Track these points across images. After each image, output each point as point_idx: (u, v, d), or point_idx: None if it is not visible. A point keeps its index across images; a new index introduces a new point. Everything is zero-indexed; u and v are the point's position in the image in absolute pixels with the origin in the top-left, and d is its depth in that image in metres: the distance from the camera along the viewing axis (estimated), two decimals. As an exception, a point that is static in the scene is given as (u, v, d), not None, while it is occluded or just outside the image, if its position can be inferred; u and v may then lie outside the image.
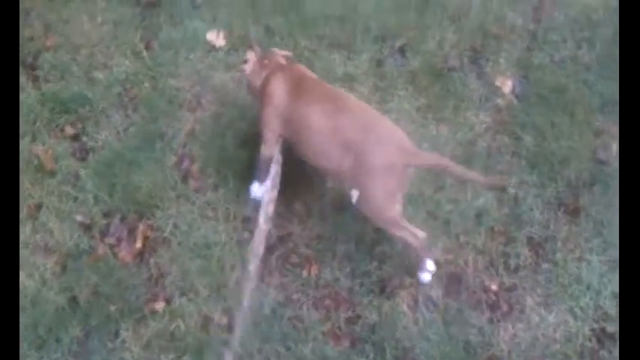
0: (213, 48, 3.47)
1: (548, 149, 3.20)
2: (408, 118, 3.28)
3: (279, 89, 2.68)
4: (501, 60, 3.57)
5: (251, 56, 2.90)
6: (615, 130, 3.28)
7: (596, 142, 3.26)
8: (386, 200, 2.55)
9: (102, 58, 3.39)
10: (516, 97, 3.43)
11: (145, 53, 3.42)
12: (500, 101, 3.40)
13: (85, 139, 3.12)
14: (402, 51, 3.56)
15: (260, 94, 2.77)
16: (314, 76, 2.86)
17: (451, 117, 3.30)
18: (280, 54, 2.88)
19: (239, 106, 3.26)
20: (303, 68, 2.88)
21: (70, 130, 3.14)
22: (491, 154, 3.19)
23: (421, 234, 2.64)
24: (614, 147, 3.24)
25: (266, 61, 2.82)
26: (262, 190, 2.77)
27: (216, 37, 3.49)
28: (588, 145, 3.24)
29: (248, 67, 2.88)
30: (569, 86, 3.46)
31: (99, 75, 3.32)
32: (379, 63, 3.50)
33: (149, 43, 3.47)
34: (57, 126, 3.14)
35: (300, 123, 2.61)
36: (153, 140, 3.11)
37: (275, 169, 2.74)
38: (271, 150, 2.73)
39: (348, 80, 3.36)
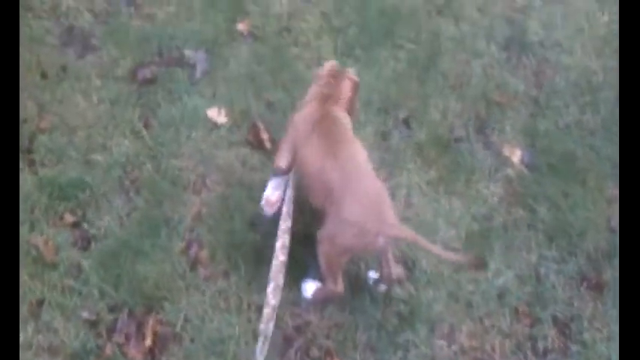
0: (214, 125, 3.37)
1: (565, 221, 3.14)
2: (418, 192, 3.20)
3: (304, 121, 2.73)
4: (507, 128, 3.54)
5: (328, 66, 2.86)
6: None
7: (610, 211, 3.21)
8: (342, 253, 2.56)
9: (100, 139, 3.26)
10: (526, 166, 3.38)
11: (144, 132, 3.30)
12: (510, 171, 3.34)
13: (86, 226, 2.97)
14: (406, 122, 3.50)
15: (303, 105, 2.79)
16: (344, 120, 2.76)
17: (463, 190, 3.24)
18: (346, 86, 2.83)
19: (246, 185, 3.15)
20: (338, 112, 2.77)
21: (69, 218, 2.98)
22: (507, 228, 3.12)
23: (340, 289, 2.64)
24: (628, 215, 3.19)
25: (331, 81, 2.79)
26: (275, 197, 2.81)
27: (217, 114, 3.40)
28: (603, 214, 3.20)
29: (320, 74, 2.85)
30: (577, 153, 3.43)
31: (97, 157, 3.18)
32: (384, 136, 3.43)
33: (148, 122, 3.35)
34: (56, 213, 2.98)
35: (302, 153, 2.66)
36: (158, 226, 2.96)
37: (289, 195, 2.75)
38: (282, 162, 2.77)
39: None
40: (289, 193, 2.77)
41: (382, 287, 2.80)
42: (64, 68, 3.55)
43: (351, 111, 2.84)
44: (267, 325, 2.46)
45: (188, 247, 2.93)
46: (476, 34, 3.93)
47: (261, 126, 3.34)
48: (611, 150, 3.44)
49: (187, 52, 3.65)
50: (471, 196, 3.22)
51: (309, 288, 2.75)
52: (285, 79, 3.59)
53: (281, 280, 2.55)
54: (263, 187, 2.93)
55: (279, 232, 2.65)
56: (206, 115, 3.40)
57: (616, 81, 3.73)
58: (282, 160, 2.76)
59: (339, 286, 2.62)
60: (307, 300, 2.76)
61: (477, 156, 3.37)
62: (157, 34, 3.73)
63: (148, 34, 3.74)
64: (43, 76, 3.48)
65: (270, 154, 3.25)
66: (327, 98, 2.75)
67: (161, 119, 3.37)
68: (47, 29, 3.72)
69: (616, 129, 3.51)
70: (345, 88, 2.81)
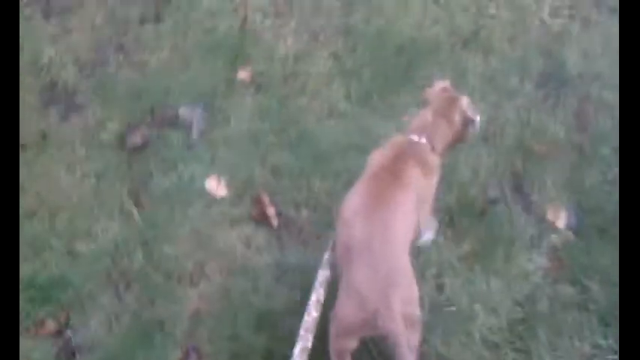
0: (213, 199, 2.96)
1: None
2: (450, 271, 2.77)
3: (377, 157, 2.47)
4: (548, 183, 3.07)
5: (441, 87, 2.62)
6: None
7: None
8: (344, 332, 2.18)
9: (84, 223, 2.88)
10: (573, 232, 2.92)
11: (134, 212, 2.92)
12: (555, 239, 2.89)
13: (69, 333, 2.60)
14: (432, 183, 3.04)
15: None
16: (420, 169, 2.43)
17: (502, 266, 2.80)
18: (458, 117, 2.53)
19: (250, 273, 2.76)
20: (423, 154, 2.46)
21: (51, 325, 2.62)
22: (555, 311, 2.67)
23: None
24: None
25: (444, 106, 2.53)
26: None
27: (216, 185, 3.00)
28: (667, 291, 2.72)
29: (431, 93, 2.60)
30: (631, 212, 2.95)
31: (82, 247, 2.81)
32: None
33: (139, 199, 2.97)
34: (34, 323, 2.60)
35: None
36: (151, 331, 2.59)
37: (324, 273, 2.37)
38: None
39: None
40: (323, 271, 2.38)
41: None
42: (44, 135, 3.18)
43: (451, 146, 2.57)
44: None
45: (186, 356, 2.54)
46: (507, 69, 3.45)
47: (266, 199, 2.93)
48: (671, 205, 2.96)
49: (182, 111, 3.26)
50: (512, 273, 2.78)
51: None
52: (292, 138, 3.17)
53: (309, 342, 2.18)
54: (269, 275, 2.52)
55: (316, 284, 2.30)
56: (204, 186, 3.00)
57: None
58: None
59: None
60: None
61: (515, 222, 2.92)
62: (148, 88, 3.36)
63: (138, 89, 3.36)
64: (21, 146, 3.09)
65: (277, 233, 2.85)
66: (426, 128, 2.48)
67: (153, 194, 2.98)
68: (26, 87, 3.33)
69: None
70: (457, 120, 2.50)
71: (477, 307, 2.67)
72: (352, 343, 2.20)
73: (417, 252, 2.80)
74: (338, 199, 2.87)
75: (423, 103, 2.64)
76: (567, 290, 2.75)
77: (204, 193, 2.99)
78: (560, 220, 2.96)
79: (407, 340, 2.07)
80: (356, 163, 3.00)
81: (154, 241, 2.83)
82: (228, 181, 3.02)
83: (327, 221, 2.88)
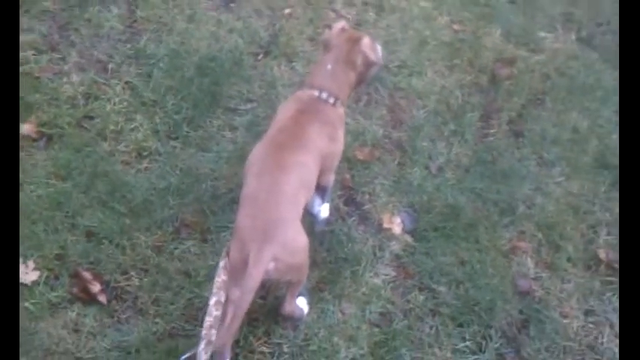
0: (25, 287, 2.56)
1: (468, 298, 2.76)
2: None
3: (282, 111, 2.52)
4: (378, 189, 3.06)
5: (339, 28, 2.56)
6: (524, 243, 2.92)
7: (512, 268, 2.87)
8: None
9: None
10: (410, 235, 2.92)
11: None
12: (395, 246, 2.88)
13: None
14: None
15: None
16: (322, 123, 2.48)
17: (351, 289, 2.73)
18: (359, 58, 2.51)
19: (87, 365, 2.42)
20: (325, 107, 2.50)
21: None
22: (411, 325, 2.67)
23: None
24: (530, 265, 2.88)
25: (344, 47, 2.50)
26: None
27: (24, 271, 2.58)
28: (506, 276, 2.85)
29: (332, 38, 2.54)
30: (459, 203, 3.03)
31: None
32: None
33: None
34: None
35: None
36: None
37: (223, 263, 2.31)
38: None
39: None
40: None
41: None
42: None
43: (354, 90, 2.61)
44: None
45: None
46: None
47: (86, 274, 2.58)
48: (493, 188, 3.08)
49: (-39, 187, 2.73)
50: (362, 293, 2.72)
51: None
52: (102, 192, 2.82)
53: (213, 337, 2.15)
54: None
55: (215, 289, 2.24)
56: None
57: (476, 98, 3.37)
58: None
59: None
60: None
61: (355, 237, 2.86)
62: None
63: None
64: None
65: (110, 310, 2.53)
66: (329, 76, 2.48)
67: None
68: None
69: (487, 157, 3.16)
70: (359, 64, 2.51)
71: (336, 339, 2.58)
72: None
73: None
74: (168, 254, 2.64)
75: (323, 47, 2.53)
76: (418, 299, 2.75)
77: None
78: (397, 225, 2.94)
79: (256, 288, 2.11)
80: (180, 209, 2.77)
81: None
82: (37, 262, 2.61)
83: (162, 283, 2.61)
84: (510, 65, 3.56)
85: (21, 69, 3.15)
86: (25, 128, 2.95)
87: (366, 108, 3.30)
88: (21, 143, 2.92)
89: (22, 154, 2.89)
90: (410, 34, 3.62)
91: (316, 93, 2.49)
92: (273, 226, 2.18)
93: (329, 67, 2.49)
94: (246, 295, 2.10)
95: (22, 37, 3.25)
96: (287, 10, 3.60)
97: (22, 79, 3.10)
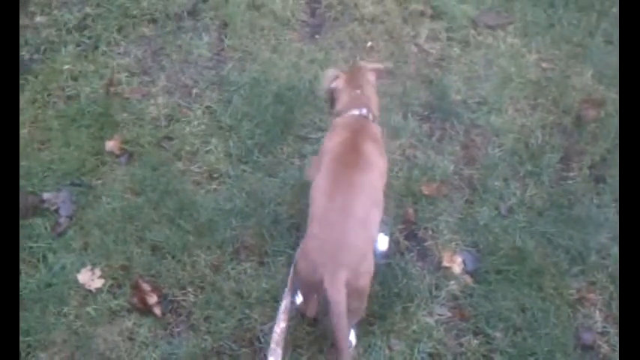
0: (89, 292, 2.71)
1: (526, 347, 2.63)
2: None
3: (332, 147, 2.53)
4: (441, 226, 2.99)
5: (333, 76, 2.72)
6: (594, 295, 2.75)
7: (576, 320, 2.71)
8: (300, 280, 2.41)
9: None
10: (471, 276, 2.83)
11: (1, 320, 2.62)
12: (453, 286, 2.80)
13: None
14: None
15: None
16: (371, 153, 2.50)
17: (402, 325, 2.69)
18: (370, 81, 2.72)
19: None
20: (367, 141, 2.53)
21: None
22: (461, 366, 2.57)
23: (310, 311, 2.55)
24: (597, 317, 2.70)
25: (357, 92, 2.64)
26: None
27: (90, 277, 2.76)
28: (568, 327, 2.69)
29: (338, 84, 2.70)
30: (527, 247, 2.90)
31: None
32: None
33: (5, 303, 2.67)
34: None
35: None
36: None
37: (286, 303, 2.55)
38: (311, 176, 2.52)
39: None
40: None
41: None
42: None
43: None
44: None
45: None
46: (389, 106, 3.32)
47: (146, 286, 2.71)
48: (566, 234, 2.93)
49: (47, 196, 2.97)
50: (413, 331, 2.66)
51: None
52: (171, 209, 2.95)
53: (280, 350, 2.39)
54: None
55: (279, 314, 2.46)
56: (77, 279, 2.74)
57: (557, 139, 3.24)
58: (311, 174, 2.53)
59: (310, 310, 2.54)
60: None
61: (412, 274, 2.81)
62: (8, 172, 3.03)
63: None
64: None
65: (163, 321, 2.64)
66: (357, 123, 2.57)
67: (24, 295, 2.70)
68: None
69: (564, 201, 3.02)
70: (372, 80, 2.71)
71: (381, 376, 2.53)
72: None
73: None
74: (225, 274, 2.71)
75: (331, 95, 2.69)
76: (472, 343, 2.66)
77: (78, 287, 2.73)
78: (457, 265, 2.87)
79: (345, 309, 2.16)
80: (242, 231, 2.84)
81: (26, 349, 2.56)
82: (103, 270, 2.77)
83: (216, 301, 2.69)
84: (598, 107, 3.39)
85: (112, 90, 3.38)
86: (110, 145, 3.15)
87: (439, 143, 3.25)
88: (104, 158, 3.12)
89: (104, 169, 3.09)
90: (494, 70, 3.54)
91: (357, 112, 2.58)
92: (345, 249, 2.22)
93: (357, 91, 2.62)
94: (340, 320, 2.16)
95: (119, 60, 3.49)
96: (369, 43, 3.63)
97: (112, 99, 3.33)
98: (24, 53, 3.56)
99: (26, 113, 3.30)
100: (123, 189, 3.03)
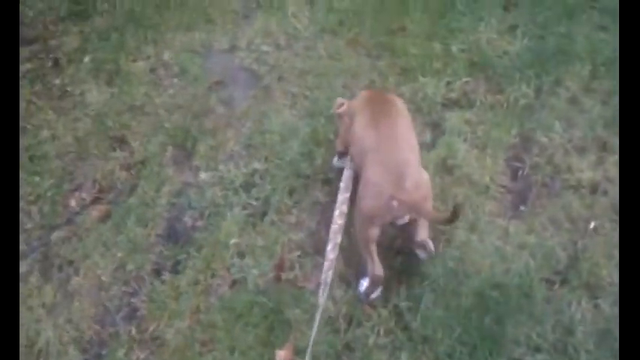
0: None
1: None
2: None
3: (358, 101, 3.04)
4: None
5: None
6: None
7: None
8: (367, 222, 2.64)
9: None
10: None
11: None
12: None
13: None
14: None
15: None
16: (397, 102, 3.03)
17: None
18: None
19: None
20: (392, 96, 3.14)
21: None
22: None
23: (379, 271, 2.67)
24: None
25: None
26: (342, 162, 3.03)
27: None
28: None
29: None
30: None
31: None
32: None
33: None
34: None
35: (353, 126, 2.91)
36: None
37: (349, 173, 2.92)
38: (340, 146, 3.07)
39: None
40: (347, 172, 2.94)
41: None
42: None
43: None
44: (326, 273, 2.66)
45: None
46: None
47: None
48: None
49: None
50: None
51: (364, 283, 2.77)
52: None
53: (339, 239, 2.74)
54: None
55: (338, 203, 2.82)
56: None
57: None
58: (340, 144, 3.06)
59: (377, 268, 2.66)
60: (362, 294, 2.77)
61: None
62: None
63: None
64: None
65: None
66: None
67: None
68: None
69: None
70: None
71: None
72: (375, 232, 2.64)
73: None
74: None
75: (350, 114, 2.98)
76: None
77: None
78: None
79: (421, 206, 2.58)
80: None
81: None
82: None
83: None
84: None
85: (283, 275, 2.91)
86: (281, 356, 2.66)
87: None
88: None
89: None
90: None
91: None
92: (402, 165, 2.58)
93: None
94: (430, 214, 2.63)
95: (290, 235, 3.04)
96: (592, 224, 2.94)
97: (283, 288, 2.88)
98: (187, 219, 3.19)
99: (187, 300, 2.90)
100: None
